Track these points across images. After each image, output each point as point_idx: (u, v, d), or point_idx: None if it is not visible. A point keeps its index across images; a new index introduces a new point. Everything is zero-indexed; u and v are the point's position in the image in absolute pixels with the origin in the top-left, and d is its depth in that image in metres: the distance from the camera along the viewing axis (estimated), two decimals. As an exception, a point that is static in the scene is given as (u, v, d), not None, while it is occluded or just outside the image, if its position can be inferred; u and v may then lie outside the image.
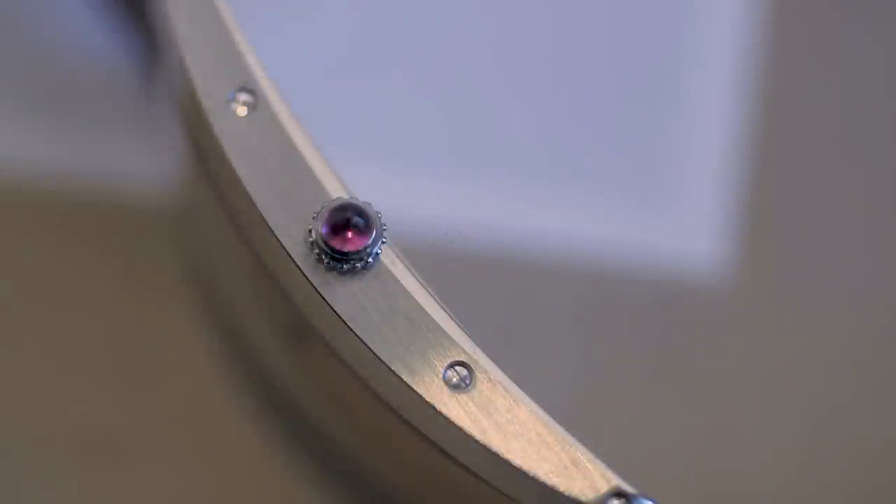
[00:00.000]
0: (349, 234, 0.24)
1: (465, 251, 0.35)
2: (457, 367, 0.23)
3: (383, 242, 0.24)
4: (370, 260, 0.24)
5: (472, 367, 0.23)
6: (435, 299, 0.24)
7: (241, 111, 0.25)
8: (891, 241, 0.35)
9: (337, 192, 0.24)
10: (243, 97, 0.25)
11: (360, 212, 0.24)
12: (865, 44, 0.37)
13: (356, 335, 0.24)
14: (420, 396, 0.23)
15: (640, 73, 0.36)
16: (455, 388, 0.23)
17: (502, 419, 0.23)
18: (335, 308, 0.24)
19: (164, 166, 0.33)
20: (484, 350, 0.24)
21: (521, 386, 0.23)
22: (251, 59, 0.25)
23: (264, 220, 0.24)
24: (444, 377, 0.23)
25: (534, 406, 0.23)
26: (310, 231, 0.24)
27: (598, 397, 0.34)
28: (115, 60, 0.35)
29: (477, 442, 0.23)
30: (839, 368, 0.34)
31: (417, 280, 0.24)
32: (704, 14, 0.37)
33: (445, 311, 0.24)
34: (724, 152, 0.36)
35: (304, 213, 0.24)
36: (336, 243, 0.24)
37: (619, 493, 0.23)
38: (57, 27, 0.35)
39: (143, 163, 0.34)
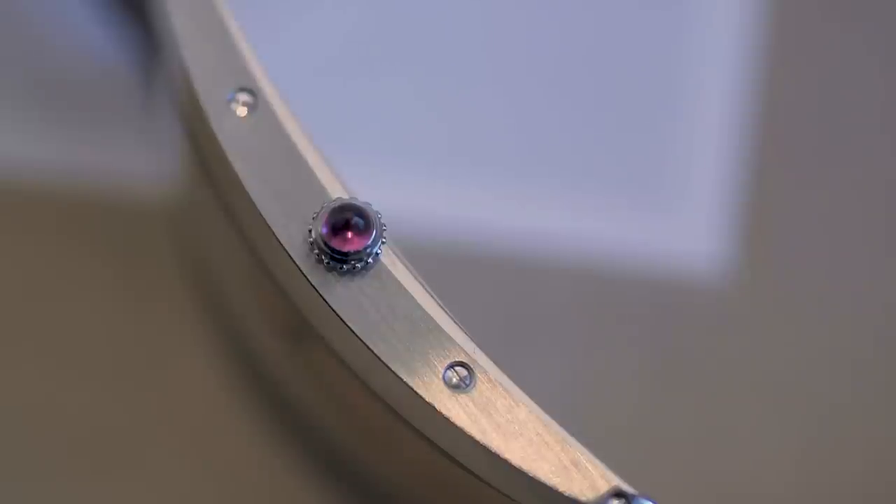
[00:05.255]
0: (349, 235, 0.24)
1: (464, 251, 0.34)
2: (457, 368, 0.23)
3: (383, 242, 0.24)
4: (370, 260, 0.24)
5: (472, 367, 0.23)
6: (435, 299, 0.24)
7: (241, 111, 0.25)
8: (890, 241, 0.35)
9: (337, 192, 0.24)
10: (243, 97, 0.25)
11: (359, 212, 0.24)
12: (865, 46, 0.37)
13: (356, 335, 0.24)
14: (420, 397, 0.23)
15: (641, 74, 0.36)
16: (455, 388, 0.23)
17: (502, 419, 0.23)
18: (335, 308, 0.24)
19: (164, 166, 0.33)
20: (484, 350, 0.24)
21: (521, 386, 0.23)
22: (251, 59, 0.25)
23: (264, 220, 0.24)
24: (444, 377, 0.23)
25: (534, 406, 0.23)
26: (310, 231, 0.24)
27: (598, 397, 0.34)
28: (115, 60, 0.35)
29: (477, 442, 0.23)
30: (838, 368, 0.34)
31: (417, 280, 0.24)
32: (705, 14, 0.37)
33: (445, 311, 0.24)
34: (724, 153, 0.36)
35: (304, 213, 0.24)
36: (336, 244, 0.24)
37: (619, 493, 0.23)
38: (57, 27, 0.35)
39: (143, 163, 0.34)
